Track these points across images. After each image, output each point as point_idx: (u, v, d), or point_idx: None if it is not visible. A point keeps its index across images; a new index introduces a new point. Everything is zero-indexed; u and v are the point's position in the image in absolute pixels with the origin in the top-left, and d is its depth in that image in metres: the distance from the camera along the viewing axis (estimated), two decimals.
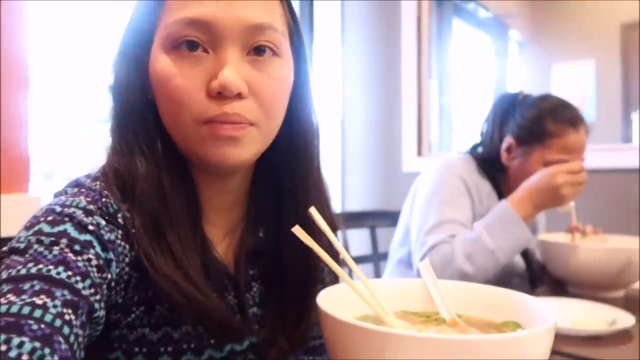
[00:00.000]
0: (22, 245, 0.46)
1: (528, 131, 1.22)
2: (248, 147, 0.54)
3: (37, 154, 1.14)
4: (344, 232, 1.53)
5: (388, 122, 2.31)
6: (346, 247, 1.53)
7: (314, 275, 0.63)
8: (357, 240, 1.71)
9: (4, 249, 0.46)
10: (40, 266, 0.44)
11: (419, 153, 2.22)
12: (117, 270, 0.51)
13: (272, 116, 0.56)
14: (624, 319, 0.84)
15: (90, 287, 0.45)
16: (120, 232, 0.52)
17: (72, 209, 0.49)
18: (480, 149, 1.36)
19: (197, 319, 0.53)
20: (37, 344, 0.38)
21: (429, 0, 2.28)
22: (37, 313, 0.40)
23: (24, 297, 0.41)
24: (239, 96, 0.52)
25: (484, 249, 1.07)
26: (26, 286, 0.42)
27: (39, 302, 0.41)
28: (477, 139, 1.40)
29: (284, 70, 0.56)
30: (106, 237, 0.50)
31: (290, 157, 0.61)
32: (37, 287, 0.42)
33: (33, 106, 1.12)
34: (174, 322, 0.56)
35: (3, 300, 0.40)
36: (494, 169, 1.29)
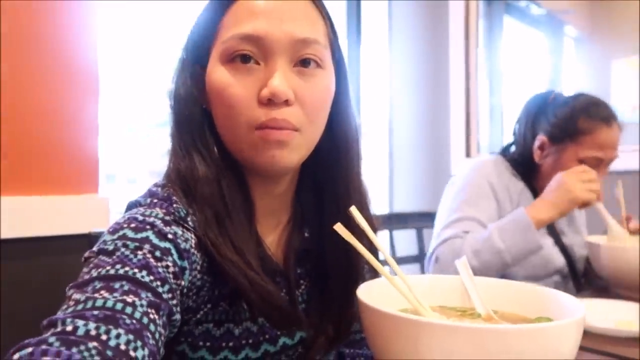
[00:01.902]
0: (109, 248, 0.51)
1: (560, 129, 1.24)
2: (294, 151, 0.59)
3: (101, 157, 1.23)
4: (391, 232, 1.55)
5: (436, 124, 2.30)
6: (392, 247, 1.55)
7: (355, 273, 0.67)
8: (403, 240, 1.73)
9: (93, 249, 0.52)
10: (127, 269, 0.48)
11: (468, 154, 2.20)
12: (190, 278, 0.56)
13: (316, 122, 0.61)
14: None
15: (168, 292, 0.50)
16: (194, 240, 0.57)
17: (152, 219, 0.55)
18: (512, 149, 1.38)
19: (259, 302, 0.57)
20: (131, 337, 0.43)
21: (477, 0, 2.25)
22: (129, 310, 0.45)
23: (115, 294, 0.45)
24: (287, 103, 0.57)
25: (492, 249, 1.10)
26: (116, 285, 0.46)
27: (129, 300, 0.46)
28: (510, 140, 1.42)
29: (327, 81, 0.61)
30: (182, 246, 0.55)
31: (332, 161, 0.66)
32: (125, 287, 0.47)
33: (101, 109, 1.21)
34: (235, 319, 0.61)
35: (98, 296, 0.45)
36: (527, 168, 1.32)
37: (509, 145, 1.40)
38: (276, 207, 0.67)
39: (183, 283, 0.54)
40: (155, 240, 0.52)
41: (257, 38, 0.56)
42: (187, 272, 0.55)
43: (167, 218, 0.56)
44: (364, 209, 0.67)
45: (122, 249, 0.50)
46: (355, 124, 0.67)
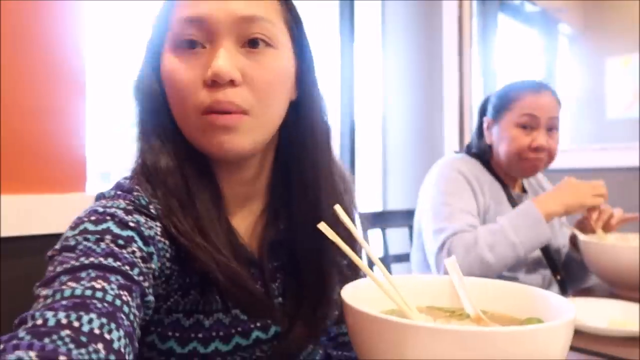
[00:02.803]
0: (71, 243, 0.50)
1: (498, 104, 1.36)
2: (245, 135, 0.57)
3: (94, 155, 1.21)
4: (384, 230, 1.54)
5: (430, 122, 2.29)
6: (385, 245, 1.54)
7: (328, 265, 0.65)
8: (397, 238, 1.72)
9: (56, 247, 0.51)
10: (92, 259, 0.47)
11: (459, 152, 2.19)
12: (159, 264, 0.55)
13: (268, 104, 0.58)
14: None
15: (139, 274, 0.50)
16: (159, 228, 0.56)
17: (113, 209, 0.54)
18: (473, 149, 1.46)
19: (229, 286, 0.56)
20: (104, 320, 0.42)
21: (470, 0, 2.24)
22: (99, 294, 0.44)
23: (83, 282, 0.45)
24: (232, 84, 0.55)
25: (507, 242, 1.13)
26: (83, 274, 0.46)
27: (98, 285, 0.45)
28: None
29: (280, 61, 0.59)
30: (146, 233, 0.54)
31: (298, 148, 0.64)
32: (93, 274, 0.46)
33: (90, 106, 1.19)
34: (206, 309, 0.60)
35: (65, 287, 0.44)
36: (488, 158, 1.40)
37: (470, 146, 1.49)
38: (247, 195, 0.66)
39: (153, 266, 0.53)
40: (117, 230, 0.51)
41: (199, 19, 0.55)
42: (155, 257, 0.54)
43: (129, 208, 0.55)
44: (339, 201, 0.62)
45: (84, 242, 0.49)
46: (323, 109, 0.65)
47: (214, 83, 0.55)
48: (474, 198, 1.29)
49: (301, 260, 0.66)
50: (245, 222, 0.66)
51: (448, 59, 2.23)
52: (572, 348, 0.76)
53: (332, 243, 0.47)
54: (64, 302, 0.42)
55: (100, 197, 0.58)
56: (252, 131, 0.58)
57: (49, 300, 0.43)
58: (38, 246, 1.06)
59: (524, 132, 1.29)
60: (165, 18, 0.59)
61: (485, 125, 1.41)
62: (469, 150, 1.48)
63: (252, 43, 0.57)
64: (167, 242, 0.56)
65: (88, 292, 0.44)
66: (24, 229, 1.04)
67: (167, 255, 0.57)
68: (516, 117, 1.30)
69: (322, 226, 0.47)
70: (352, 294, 0.48)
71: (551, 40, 2.41)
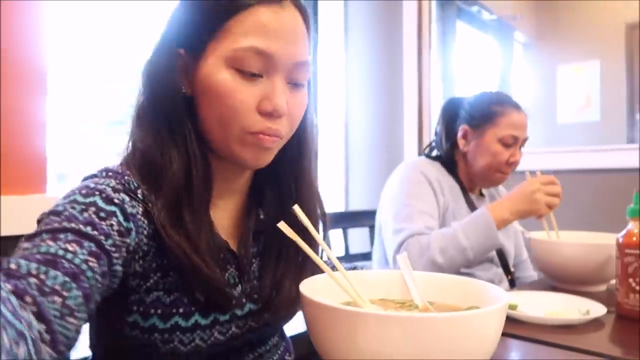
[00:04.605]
0: (59, 209, 0.57)
1: (478, 116, 1.40)
2: (274, 152, 0.68)
3: (51, 155, 1.20)
4: (345, 230, 1.58)
5: (391, 124, 2.35)
6: (346, 245, 1.58)
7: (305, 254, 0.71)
8: (358, 238, 1.76)
9: (45, 211, 0.58)
10: (72, 224, 0.55)
11: (420, 154, 2.25)
12: (137, 240, 0.61)
13: (293, 130, 0.70)
14: (597, 310, 0.89)
15: (111, 245, 0.57)
16: (141, 209, 0.63)
17: (103, 186, 0.61)
18: (435, 152, 1.51)
19: (199, 284, 0.63)
20: (67, 279, 0.50)
21: (430, 0, 2.30)
22: (69, 256, 0.52)
23: (59, 242, 0.52)
24: (280, 115, 0.64)
25: (458, 246, 1.19)
26: (61, 236, 0.53)
27: (71, 248, 0.52)
28: (430, 143, 1.56)
29: (306, 96, 0.70)
30: (129, 210, 0.61)
31: (293, 156, 0.74)
32: (70, 238, 0.53)
33: (48, 107, 1.18)
34: (185, 288, 0.65)
35: (43, 244, 0.52)
36: (452, 163, 1.46)
37: (432, 148, 1.54)
38: (233, 191, 0.74)
39: (128, 241, 0.60)
40: (102, 204, 0.58)
41: (269, 56, 0.62)
42: (133, 232, 0.61)
43: (118, 187, 0.62)
44: (316, 200, 0.76)
45: (70, 210, 0.56)
46: (315, 124, 0.77)
47: (269, 114, 0.63)
48: (435, 199, 1.35)
49: (281, 248, 0.74)
50: (228, 212, 0.74)
51: (408, 61, 2.29)
52: (514, 336, 0.82)
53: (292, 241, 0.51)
54: (37, 256, 0.50)
55: (91, 176, 0.64)
56: (278, 149, 0.69)
57: (26, 252, 0.51)
58: None
59: (504, 148, 1.37)
60: (214, 26, 0.63)
61: (460, 133, 1.44)
62: (429, 153, 1.53)
63: (296, 83, 0.66)
64: (146, 221, 0.63)
65: (60, 252, 0.51)
66: None
67: (145, 232, 0.63)
68: (500, 133, 1.36)
69: (282, 225, 0.51)
70: (310, 287, 0.52)
71: (506, 47, 2.51)
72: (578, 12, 2.25)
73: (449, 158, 1.47)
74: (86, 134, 1.71)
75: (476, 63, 2.53)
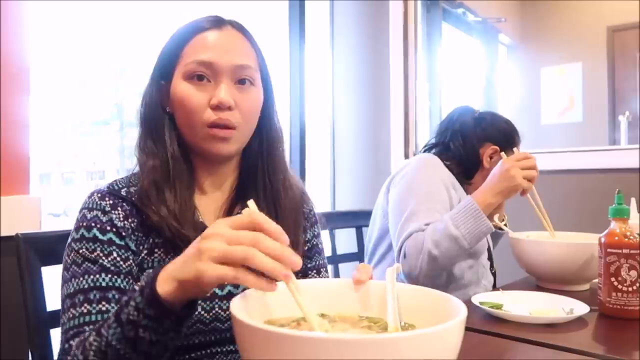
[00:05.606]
0: (75, 247, 0.75)
1: (506, 141, 1.48)
2: (233, 143, 0.83)
3: (33, 155, 1.18)
4: (332, 230, 1.58)
5: (377, 125, 2.35)
6: (333, 245, 1.58)
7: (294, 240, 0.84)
8: (344, 239, 1.77)
9: (70, 242, 0.76)
10: (92, 277, 0.72)
11: (406, 155, 2.27)
12: (135, 243, 0.78)
13: (248, 123, 0.85)
14: (581, 308, 0.91)
15: (124, 278, 0.74)
16: (125, 204, 0.79)
17: (95, 212, 0.77)
18: (434, 150, 1.53)
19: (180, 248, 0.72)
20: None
21: (415, 1, 2.32)
22: (105, 316, 0.68)
23: (93, 305, 0.70)
24: (229, 108, 0.81)
25: (449, 236, 1.21)
26: (91, 296, 0.71)
27: (104, 308, 0.70)
28: (432, 142, 1.56)
29: (256, 94, 0.86)
30: (119, 224, 0.77)
31: (262, 151, 0.89)
32: (97, 296, 0.71)
33: (31, 107, 1.17)
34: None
35: (84, 310, 0.70)
36: (467, 170, 1.49)
37: (432, 146, 1.55)
38: (220, 184, 0.89)
39: (132, 258, 0.76)
40: (101, 236, 0.75)
41: (210, 64, 0.81)
42: (130, 241, 0.77)
43: (103, 203, 0.78)
44: (290, 182, 0.91)
45: (84, 251, 0.74)
46: (278, 126, 0.91)
47: (218, 107, 0.80)
48: (448, 195, 1.36)
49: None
50: (217, 203, 0.88)
51: (394, 63, 2.30)
52: (499, 335, 0.83)
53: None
54: (89, 327, 0.69)
55: (91, 195, 0.80)
56: (237, 141, 0.84)
57: (81, 321, 0.70)
58: None
59: None
60: (175, 55, 0.83)
61: (490, 152, 1.47)
62: (441, 154, 1.50)
63: (241, 82, 0.83)
64: (133, 218, 0.78)
65: (99, 317, 0.70)
66: None
67: (134, 225, 0.78)
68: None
69: (251, 203, 0.57)
70: (239, 304, 0.52)
71: (491, 49, 2.54)
72: (561, 16, 2.29)
73: (468, 164, 1.48)
74: (69, 133, 1.69)
75: (461, 64, 2.56)
